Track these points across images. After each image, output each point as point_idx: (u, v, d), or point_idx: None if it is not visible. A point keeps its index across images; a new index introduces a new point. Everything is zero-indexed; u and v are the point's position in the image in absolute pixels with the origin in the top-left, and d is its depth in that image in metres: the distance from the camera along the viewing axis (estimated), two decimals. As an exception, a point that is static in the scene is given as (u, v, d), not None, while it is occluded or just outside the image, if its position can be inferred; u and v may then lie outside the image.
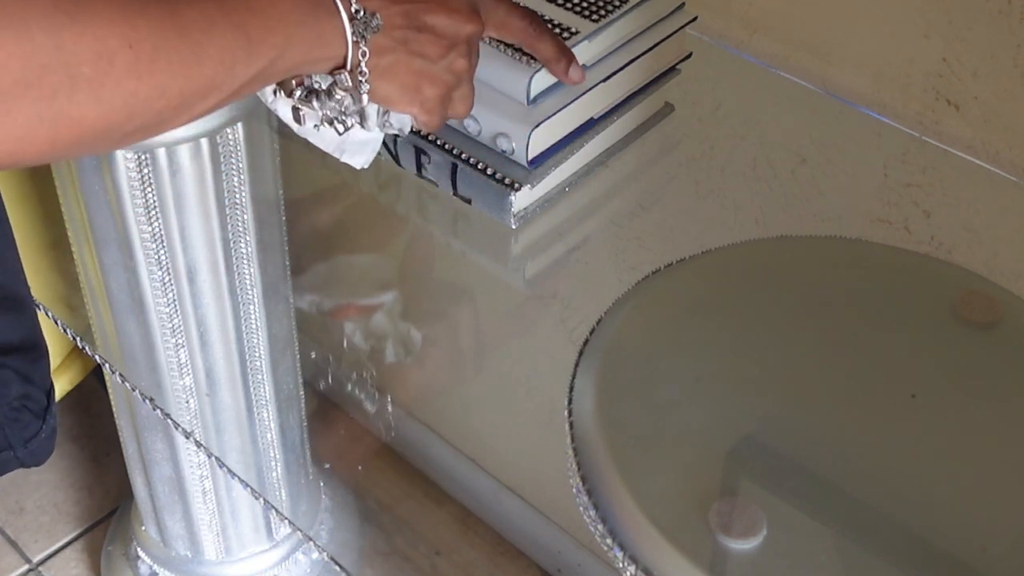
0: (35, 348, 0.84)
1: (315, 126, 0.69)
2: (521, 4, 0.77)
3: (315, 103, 0.67)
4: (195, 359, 0.88)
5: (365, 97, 0.66)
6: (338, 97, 0.66)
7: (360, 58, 0.64)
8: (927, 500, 0.62)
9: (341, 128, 0.68)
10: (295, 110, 0.69)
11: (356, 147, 0.71)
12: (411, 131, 0.73)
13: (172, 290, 0.83)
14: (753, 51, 1.00)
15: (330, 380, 0.92)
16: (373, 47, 0.64)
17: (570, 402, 0.68)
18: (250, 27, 0.58)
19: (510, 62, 0.80)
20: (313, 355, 0.94)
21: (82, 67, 0.50)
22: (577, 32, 0.82)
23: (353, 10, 0.63)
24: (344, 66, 0.64)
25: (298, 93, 0.67)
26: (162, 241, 0.80)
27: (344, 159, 0.72)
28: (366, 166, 0.72)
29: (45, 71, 0.49)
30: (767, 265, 0.77)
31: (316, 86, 0.67)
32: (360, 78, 0.65)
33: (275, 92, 0.69)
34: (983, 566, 0.59)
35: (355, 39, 0.63)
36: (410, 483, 1.02)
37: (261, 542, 1.07)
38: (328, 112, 0.67)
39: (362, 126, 0.69)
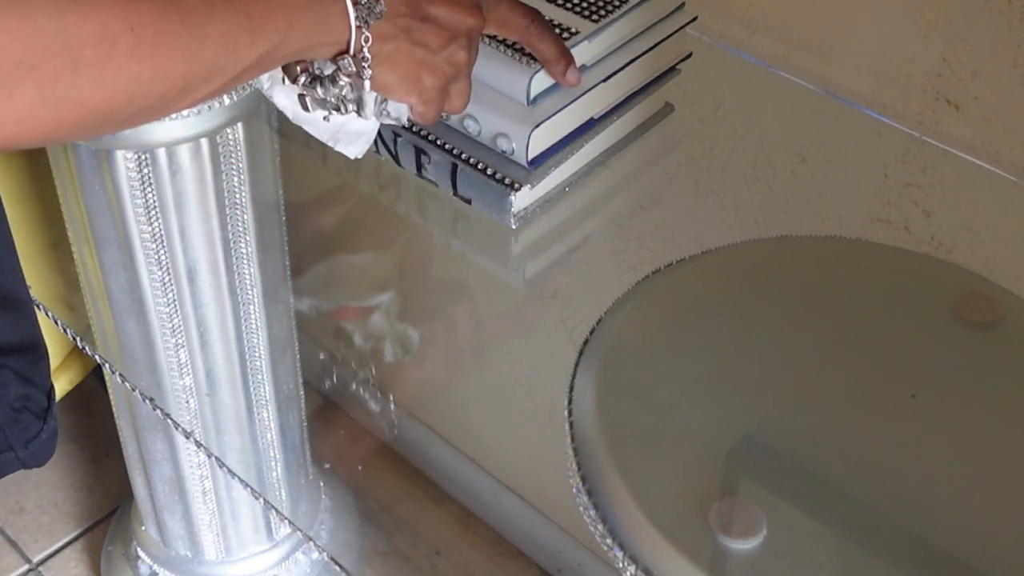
0: (35, 349, 0.84)
1: (324, 117, 0.69)
2: (523, 3, 0.77)
3: (319, 89, 0.67)
4: (195, 359, 0.88)
5: (367, 83, 0.66)
6: (341, 83, 0.66)
7: (363, 44, 0.64)
8: (927, 500, 0.62)
9: (350, 108, 0.69)
10: (301, 97, 0.69)
11: (351, 137, 0.72)
12: (406, 122, 0.73)
13: (172, 290, 0.83)
14: (753, 51, 1.00)
15: (331, 380, 0.92)
16: (376, 33, 0.65)
17: (570, 402, 0.68)
18: (253, 11, 0.58)
19: (510, 62, 0.80)
20: (321, 356, 0.94)
21: (84, 50, 0.51)
22: (577, 32, 0.82)
23: None
24: (347, 51, 0.65)
25: (302, 79, 0.67)
26: (162, 241, 0.80)
27: (338, 148, 0.72)
28: (360, 156, 0.73)
29: (48, 54, 0.50)
30: (767, 265, 0.77)
31: (319, 72, 0.67)
32: (363, 64, 0.65)
33: (282, 79, 0.69)
34: (983, 566, 0.59)
35: (358, 24, 0.63)
36: (410, 483, 1.02)
37: (261, 542, 1.07)
38: (331, 99, 0.67)
39: (359, 114, 0.69)
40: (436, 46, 0.68)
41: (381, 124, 0.73)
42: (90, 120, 0.53)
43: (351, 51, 0.64)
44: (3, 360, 0.81)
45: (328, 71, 0.67)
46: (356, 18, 0.63)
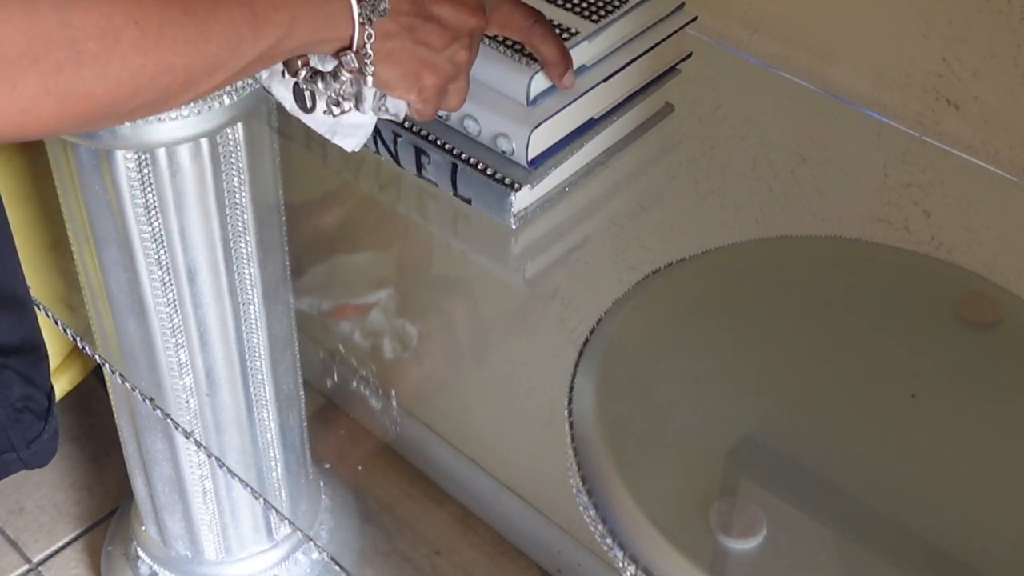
0: (36, 349, 0.84)
1: (324, 111, 0.69)
2: (526, 3, 0.77)
3: (320, 84, 0.67)
4: (195, 359, 0.88)
5: (369, 79, 0.67)
6: (342, 79, 0.67)
7: (365, 40, 0.64)
8: (927, 500, 0.62)
9: (347, 107, 0.69)
10: (297, 88, 0.69)
11: (348, 130, 0.72)
12: (403, 118, 0.73)
13: (172, 290, 0.83)
14: (753, 51, 1.00)
15: (332, 379, 0.92)
16: (379, 31, 0.65)
17: (570, 402, 0.68)
18: (257, 6, 0.58)
19: (510, 63, 0.80)
20: (321, 355, 0.94)
21: (88, 43, 0.51)
22: (577, 32, 0.82)
23: None
24: (349, 47, 0.65)
25: (303, 73, 0.67)
26: (162, 241, 0.80)
27: (335, 141, 0.72)
28: (357, 149, 0.73)
29: (51, 46, 0.50)
30: (767, 265, 0.77)
31: (320, 67, 0.67)
32: (365, 60, 0.65)
33: (282, 72, 0.69)
34: (983, 566, 0.59)
35: (362, 21, 0.64)
36: (410, 483, 1.02)
37: (261, 542, 1.07)
38: (332, 94, 0.68)
39: (358, 109, 0.69)
40: (438, 45, 0.68)
41: (381, 122, 0.73)
42: (93, 112, 0.53)
43: (354, 47, 0.65)
44: (4, 360, 0.81)
45: (329, 67, 0.67)
46: (360, 15, 0.63)
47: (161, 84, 0.55)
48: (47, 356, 0.85)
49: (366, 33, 0.64)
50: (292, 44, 0.62)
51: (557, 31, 0.81)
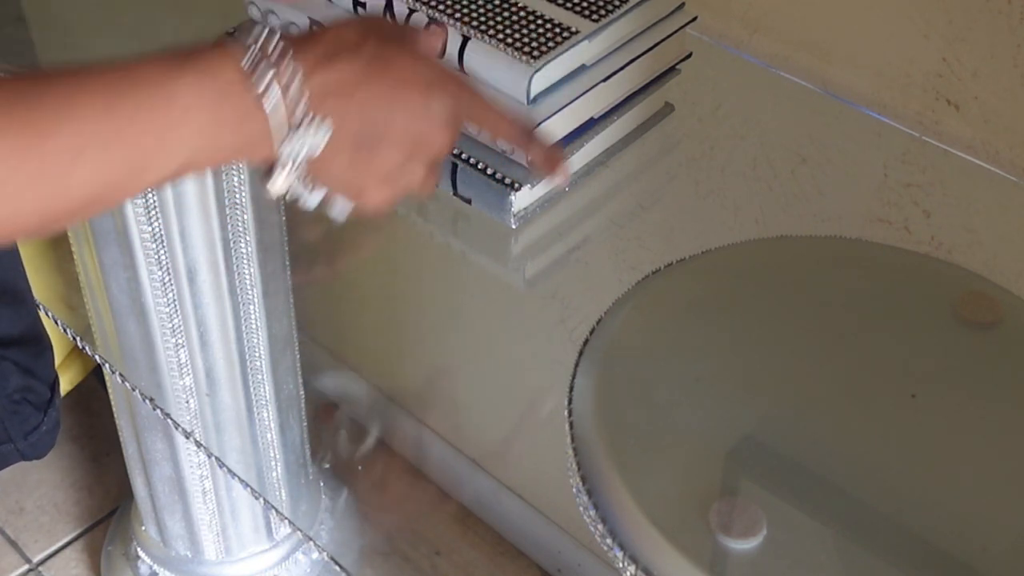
0: (37, 342, 0.84)
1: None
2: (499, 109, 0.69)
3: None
4: (195, 359, 0.88)
5: (306, 194, 0.59)
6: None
7: (293, 168, 0.56)
8: (927, 500, 0.62)
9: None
10: None
11: None
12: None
13: (172, 290, 0.83)
14: (753, 51, 1.00)
15: (331, 380, 0.92)
16: (310, 164, 0.56)
17: (570, 402, 0.68)
18: (142, 138, 0.50)
19: (510, 62, 0.80)
20: (321, 354, 0.94)
21: None
22: (577, 32, 0.82)
23: (295, 118, 0.53)
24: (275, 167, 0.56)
25: None
26: (162, 241, 0.80)
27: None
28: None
29: None
30: (767, 265, 0.77)
31: None
32: (297, 180, 0.57)
33: None
34: (983, 566, 0.59)
35: (285, 163, 0.55)
36: (410, 483, 1.02)
37: (261, 542, 1.07)
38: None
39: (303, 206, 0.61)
40: (390, 164, 0.60)
41: None
42: None
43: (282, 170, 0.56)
44: (3, 352, 0.81)
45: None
46: (289, 156, 0.54)
47: (6, 231, 0.48)
48: (51, 347, 0.85)
49: (293, 166, 0.55)
50: (196, 168, 0.52)
51: (557, 30, 0.81)
